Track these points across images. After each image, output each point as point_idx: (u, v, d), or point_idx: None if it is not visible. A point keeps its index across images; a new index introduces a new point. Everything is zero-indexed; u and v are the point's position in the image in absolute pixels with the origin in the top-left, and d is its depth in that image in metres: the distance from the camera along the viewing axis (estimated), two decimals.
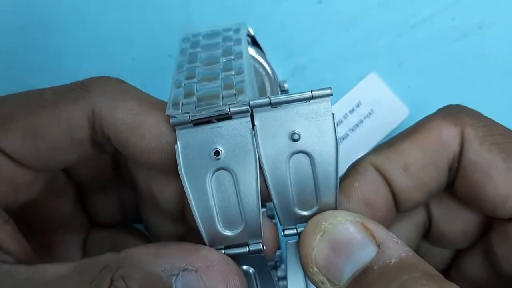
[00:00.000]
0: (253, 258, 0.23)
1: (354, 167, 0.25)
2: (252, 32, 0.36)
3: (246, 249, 0.23)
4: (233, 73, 0.22)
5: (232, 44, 0.24)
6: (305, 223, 0.23)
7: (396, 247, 0.21)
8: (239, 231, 0.22)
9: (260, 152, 0.22)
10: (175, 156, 0.22)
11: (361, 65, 0.36)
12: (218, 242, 0.23)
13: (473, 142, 0.24)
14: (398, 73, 0.36)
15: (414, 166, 0.24)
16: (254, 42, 0.36)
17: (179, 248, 0.21)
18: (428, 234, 0.28)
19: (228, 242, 0.23)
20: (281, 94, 0.30)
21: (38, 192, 0.25)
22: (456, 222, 0.26)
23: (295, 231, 0.23)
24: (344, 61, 0.33)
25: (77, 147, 0.23)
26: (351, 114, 0.35)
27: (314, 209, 0.23)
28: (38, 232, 0.28)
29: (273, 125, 0.22)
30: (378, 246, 0.21)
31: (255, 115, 0.22)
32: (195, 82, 0.22)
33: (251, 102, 0.21)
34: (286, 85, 0.35)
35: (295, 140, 0.22)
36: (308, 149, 0.22)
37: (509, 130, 0.24)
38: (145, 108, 0.23)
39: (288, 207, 0.23)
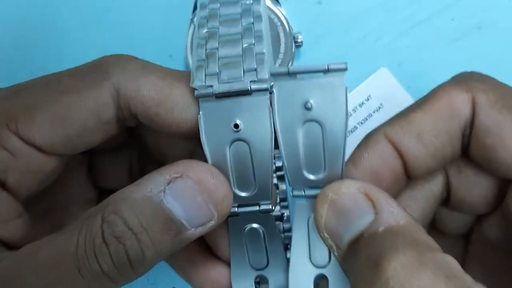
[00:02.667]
0: (262, 216, 0.26)
1: (367, 138, 0.26)
2: None
3: (257, 208, 0.25)
4: (253, 41, 0.23)
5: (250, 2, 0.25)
6: (312, 188, 0.24)
7: (389, 215, 0.21)
8: (251, 193, 0.24)
9: (276, 118, 0.23)
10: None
11: (361, 66, 0.36)
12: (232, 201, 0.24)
13: (484, 106, 0.24)
14: (397, 73, 0.36)
15: (427, 133, 0.24)
16: None
17: (157, 170, 0.22)
18: (447, 201, 0.28)
19: (241, 201, 0.25)
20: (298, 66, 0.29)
21: (58, 175, 0.25)
22: (475, 189, 0.26)
23: (302, 193, 0.25)
24: None
25: (104, 128, 0.24)
26: (360, 107, 0.36)
27: (322, 174, 0.24)
28: (51, 211, 0.28)
29: (290, 94, 0.23)
30: (376, 214, 0.21)
31: (274, 83, 0.23)
32: (216, 48, 0.23)
33: (271, 71, 0.22)
34: (300, 37, 0.36)
35: (308, 109, 0.23)
36: (320, 119, 0.23)
37: None
38: (168, 81, 0.23)
39: (298, 170, 0.24)
